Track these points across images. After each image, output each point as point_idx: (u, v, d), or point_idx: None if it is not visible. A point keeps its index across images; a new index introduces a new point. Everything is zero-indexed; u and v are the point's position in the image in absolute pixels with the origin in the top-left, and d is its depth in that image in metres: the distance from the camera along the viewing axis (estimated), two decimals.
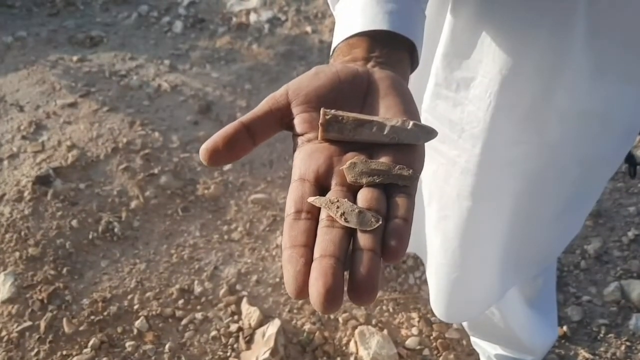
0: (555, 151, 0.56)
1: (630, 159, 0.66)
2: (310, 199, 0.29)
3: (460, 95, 0.57)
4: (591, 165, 0.59)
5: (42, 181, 1.38)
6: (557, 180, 0.60)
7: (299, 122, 0.34)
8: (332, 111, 0.32)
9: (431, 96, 0.60)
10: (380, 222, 0.27)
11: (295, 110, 0.34)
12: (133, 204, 1.35)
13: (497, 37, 0.51)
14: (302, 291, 0.25)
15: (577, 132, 0.54)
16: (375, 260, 0.26)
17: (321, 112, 0.32)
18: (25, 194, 1.34)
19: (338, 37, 0.40)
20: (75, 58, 1.96)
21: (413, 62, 0.40)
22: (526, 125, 0.55)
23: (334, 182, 0.31)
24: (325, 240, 0.27)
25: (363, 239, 0.27)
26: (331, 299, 0.24)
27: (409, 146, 0.32)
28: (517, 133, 0.56)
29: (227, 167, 1.49)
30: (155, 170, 1.45)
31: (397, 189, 0.30)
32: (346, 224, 0.27)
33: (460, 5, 0.52)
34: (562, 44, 0.48)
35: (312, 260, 0.26)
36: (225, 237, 1.30)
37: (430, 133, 0.32)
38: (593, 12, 0.46)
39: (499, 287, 0.75)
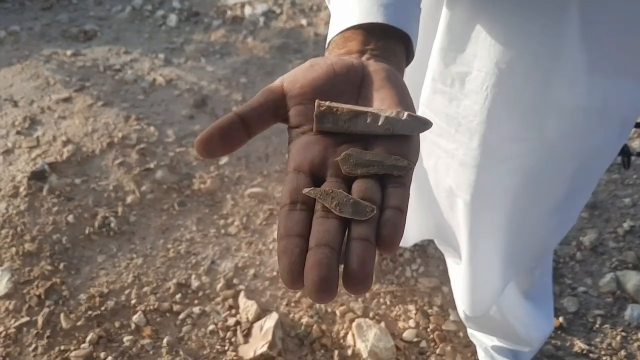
0: (554, 147, 0.56)
1: (623, 150, 0.66)
2: (305, 190, 0.29)
3: (455, 90, 0.57)
4: (588, 159, 0.59)
5: (38, 176, 1.37)
6: (555, 176, 0.60)
7: (294, 114, 0.33)
8: (327, 103, 0.32)
9: (428, 90, 0.60)
10: (375, 212, 0.27)
11: (290, 102, 0.34)
12: (129, 199, 1.35)
13: (492, 31, 0.51)
14: (297, 281, 0.25)
15: (576, 127, 0.54)
16: (369, 249, 0.26)
17: (316, 103, 0.32)
18: (21, 189, 1.34)
19: (333, 30, 0.40)
20: (69, 52, 1.94)
21: (408, 55, 0.40)
22: (525, 120, 0.55)
23: (328, 174, 0.31)
24: (320, 231, 0.27)
25: (357, 229, 0.27)
26: (326, 288, 0.24)
27: (403, 137, 0.32)
28: (516, 129, 0.56)
29: (223, 161, 1.49)
30: (151, 165, 1.44)
31: (391, 180, 0.30)
32: (341, 215, 0.27)
33: None
34: (557, 37, 0.48)
35: (307, 251, 0.26)
36: (222, 231, 1.30)
37: (425, 124, 0.32)
38: (586, 5, 0.46)
39: (499, 281, 0.76)
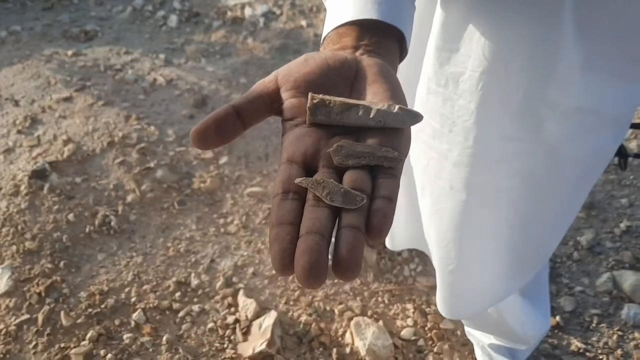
0: (550, 149, 0.56)
1: (620, 151, 0.66)
2: (297, 180, 0.29)
3: (449, 91, 0.57)
4: (586, 161, 0.58)
5: (38, 175, 1.38)
6: (553, 179, 0.59)
7: (287, 107, 0.34)
8: (320, 95, 0.32)
9: (423, 91, 0.61)
10: (365, 201, 0.28)
11: (284, 95, 0.34)
12: (129, 198, 1.36)
13: (486, 31, 0.51)
14: (288, 267, 0.26)
15: (572, 128, 0.54)
16: (358, 237, 0.27)
17: (309, 96, 0.32)
18: (22, 188, 1.35)
19: (328, 26, 0.41)
20: (70, 52, 1.95)
21: (402, 52, 0.41)
22: (521, 121, 0.55)
23: (321, 164, 0.31)
24: (311, 219, 0.27)
25: (347, 218, 0.27)
26: (315, 274, 0.25)
27: (395, 130, 0.33)
28: (512, 129, 0.56)
29: (222, 160, 1.50)
30: (151, 164, 1.45)
31: (382, 171, 0.30)
32: (331, 203, 0.28)
33: None
34: (552, 38, 0.48)
35: (297, 238, 0.27)
36: (222, 230, 1.30)
37: (415, 117, 0.33)
38: (580, 6, 0.46)
39: (502, 286, 0.75)
